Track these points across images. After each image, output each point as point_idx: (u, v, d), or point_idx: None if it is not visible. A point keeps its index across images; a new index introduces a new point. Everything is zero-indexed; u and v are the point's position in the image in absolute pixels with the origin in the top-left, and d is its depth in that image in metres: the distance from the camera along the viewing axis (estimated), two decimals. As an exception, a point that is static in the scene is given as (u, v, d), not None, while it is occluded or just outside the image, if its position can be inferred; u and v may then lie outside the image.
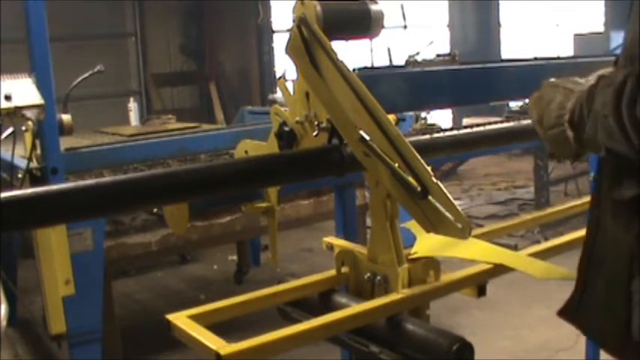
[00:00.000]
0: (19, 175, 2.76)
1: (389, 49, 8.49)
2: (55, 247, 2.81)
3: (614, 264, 1.22)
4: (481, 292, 1.68)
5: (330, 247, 1.85)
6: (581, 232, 1.42)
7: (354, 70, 1.60)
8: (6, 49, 5.65)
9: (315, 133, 1.72)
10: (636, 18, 1.15)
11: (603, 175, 1.25)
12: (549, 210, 2.41)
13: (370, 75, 1.75)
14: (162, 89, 9.15)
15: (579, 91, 1.21)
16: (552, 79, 1.31)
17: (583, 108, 1.17)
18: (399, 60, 8.57)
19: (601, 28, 8.50)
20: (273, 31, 9.69)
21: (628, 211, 1.19)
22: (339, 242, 1.88)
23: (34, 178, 2.70)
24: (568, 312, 1.34)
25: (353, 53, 6.30)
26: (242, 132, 3.62)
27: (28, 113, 2.55)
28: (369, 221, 2.23)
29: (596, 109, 1.13)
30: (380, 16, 1.83)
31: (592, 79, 1.20)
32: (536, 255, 1.75)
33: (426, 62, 2.07)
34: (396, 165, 1.49)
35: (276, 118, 1.84)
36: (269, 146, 1.88)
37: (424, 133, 2.06)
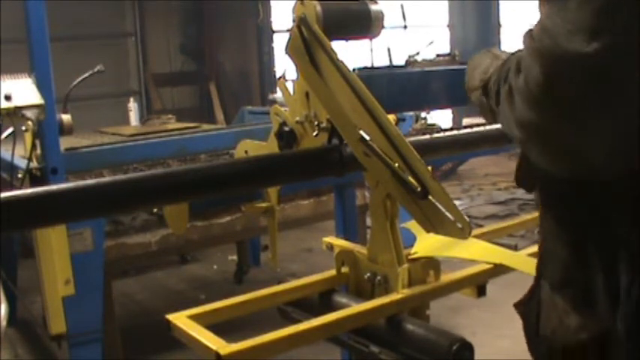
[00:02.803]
0: (19, 175, 2.76)
1: (389, 49, 8.48)
2: (55, 247, 2.81)
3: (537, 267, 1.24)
4: (481, 292, 1.69)
5: (330, 247, 1.86)
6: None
7: (354, 70, 1.60)
8: (6, 49, 5.65)
9: (315, 133, 1.73)
10: None
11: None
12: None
13: (370, 75, 1.75)
14: (162, 89, 9.15)
15: (502, 60, 1.24)
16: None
17: (498, 76, 1.19)
18: (399, 60, 8.57)
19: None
20: (273, 31, 9.68)
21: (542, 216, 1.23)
22: (339, 242, 1.88)
23: (34, 178, 2.70)
24: (519, 305, 1.34)
25: (353, 53, 6.30)
26: (242, 132, 3.62)
27: (28, 113, 2.55)
28: (369, 221, 2.22)
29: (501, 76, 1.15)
30: (380, 16, 1.83)
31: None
32: (536, 255, 1.74)
33: (426, 62, 2.07)
34: (396, 165, 1.49)
35: (276, 118, 1.84)
36: (269, 146, 1.88)
37: (424, 133, 2.06)
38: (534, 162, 1.05)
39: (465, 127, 2.66)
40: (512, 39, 11.34)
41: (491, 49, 1.36)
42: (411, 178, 1.46)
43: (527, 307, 1.24)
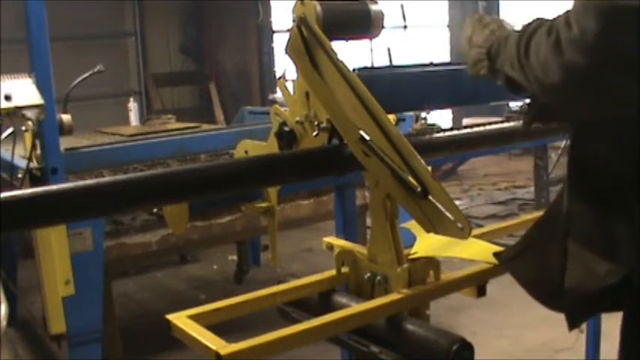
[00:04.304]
0: (19, 175, 2.76)
1: (389, 49, 8.48)
2: (55, 247, 2.81)
3: (556, 225, 1.40)
4: (481, 292, 1.68)
5: (330, 247, 1.85)
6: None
7: (354, 70, 1.60)
8: (6, 49, 5.65)
9: (315, 133, 1.73)
10: None
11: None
12: (549, 210, 2.40)
13: (370, 75, 1.75)
14: (162, 89, 9.14)
15: (508, 29, 1.41)
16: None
17: (501, 42, 1.38)
18: (399, 60, 8.57)
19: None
20: (273, 31, 9.68)
21: (569, 182, 1.36)
22: (339, 242, 1.87)
23: (34, 178, 2.70)
24: (505, 259, 1.55)
25: (353, 53, 6.30)
26: (242, 132, 3.62)
27: (28, 113, 2.56)
28: (369, 221, 2.22)
29: (509, 43, 1.33)
30: (380, 16, 1.83)
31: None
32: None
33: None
34: (396, 165, 1.49)
35: (276, 118, 1.84)
36: (269, 146, 1.88)
37: (424, 133, 2.06)
38: (572, 105, 1.21)
39: (465, 127, 2.66)
40: (512, 39, 11.34)
41: (501, 19, 1.50)
42: (411, 178, 1.46)
43: (545, 265, 1.41)
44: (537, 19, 1.27)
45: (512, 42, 1.31)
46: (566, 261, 1.35)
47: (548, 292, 1.41)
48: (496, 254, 1.60)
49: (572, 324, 1.38)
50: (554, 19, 1.17)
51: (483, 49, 1.43)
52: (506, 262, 1.54)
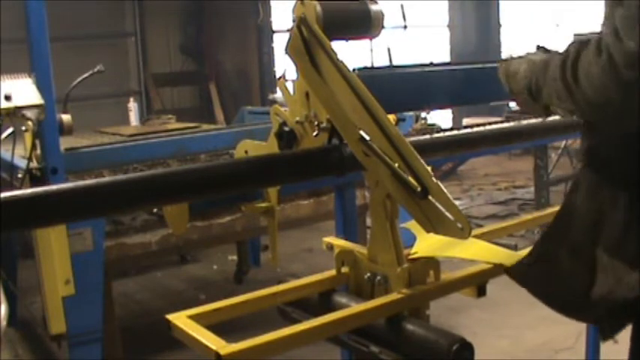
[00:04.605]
0: (19, 175, 2.76)
1: (389, 49, 8.49)
2: (55, 247, 2.81)
3: (579, 235, 1.36)
4: (481, 292, 1.68)
5: (330, 247, 1.85)
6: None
7: (354, 70, 1.60)
8: (6, 49, 5.65)
9: (315, 133, 1.72)
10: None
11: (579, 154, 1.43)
12: (549, 210, 2.40)
13: (370, 75, 1.75)
14: (162, 89, 9.15)
15: (538, 62, 1.38)
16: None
17: (539, 77, 1.34)
18: (399, 60, 8.58)
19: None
20: (273, 31, 9.68)
21: (592, 180, 1.34)
22: (339, 242, 1.87)
23: (34, 178, 2.70)
24: (517, 274, 1.48)
25: (353, 53, 6.30)
26: (242, 132, 3.62)
27: (28, 113, 2.56)
28: (369, 221, 2.22)
29: (549, 75, 1.30)
30: (380, 16, 1.83)
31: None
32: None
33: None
34: (396, 165, 1.49)
35: (276, 118, 1.84)
36: (269, 146, 1.88)
37: (424, 133, 2.06)
38: (626, 120, 1.18)
39: (465, 127, 2.67)
40: (512, 39, 11.34)
41: (523, 55, 1.49)
42: (411, 178, 1.46)
43: (564, 276, 1.37)
44: (572, 43, 1.25)
45: (554, 73, 1.27)
46: (593, 270, 1.31)
47: (571, 303, 1.37)
48: (507, 270, 1.53)
49: (605, 335, 1.34)
50: (598, 37, 1.15)
51: (524, 91, 1.41)
52: (519, 276, 1.48)
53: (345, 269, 1.71)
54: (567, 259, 1.37)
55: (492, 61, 1.78)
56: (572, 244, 1.37)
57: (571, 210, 1.39)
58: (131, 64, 8.97)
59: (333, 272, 1.71)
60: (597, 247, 1.32)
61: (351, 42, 1.86)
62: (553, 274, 1.40)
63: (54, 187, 1.41)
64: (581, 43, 1.21)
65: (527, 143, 3.51)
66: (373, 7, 1.82)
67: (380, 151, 1.51)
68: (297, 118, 1.78)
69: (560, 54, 1.29)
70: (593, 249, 1.32)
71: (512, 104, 6.71)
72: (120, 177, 1.53)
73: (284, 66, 7.84)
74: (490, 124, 2.30)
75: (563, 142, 6.55)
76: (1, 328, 1.90)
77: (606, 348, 2.66)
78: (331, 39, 1.60)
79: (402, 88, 1.90)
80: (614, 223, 1.30)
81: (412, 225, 1.66)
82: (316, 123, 1.72)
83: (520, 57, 1.48)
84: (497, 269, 1.67)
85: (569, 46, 1.25)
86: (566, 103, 1.24)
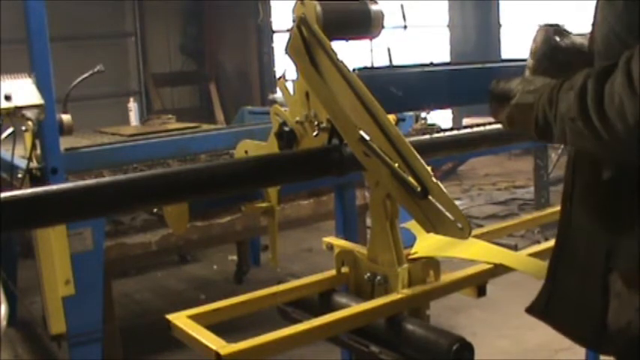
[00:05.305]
0: (19, 175, 2.76)
1: (389, 49, 8.49)
2: (55, 247, 2.81)
3: (588, 259, 1.26)
4: (481, 292, 1.68)
5: (330, 247, 1.85)
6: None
7: (354, 70, 1.60)
8: (6, 49, 5.65)
9: (315, 133, 1.73)
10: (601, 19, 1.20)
11: (577, 171, 1.30)
12: (549, 210, 2.41)
13: (370, 75, 1.75)
14: (162, 89, 9.15)
15: (541, 93, 1.24)
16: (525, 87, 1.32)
17: (547, 113, 1.21)
18: (399, 60, 8.57)
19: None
20: (273, 31, 9.69)
21: (605, 207, 1.24)
22: (339, 242, 1.88)
23: (34, 178, 2.70)
24: (537, 309, 1.39)
25: (353, 53, 6.30)
26: (242, 132, 3.62)
27: (28, 113, 2.56)
28: (369, 221, 2.22)
29: (562, 112, 1.16)
30: (380, 16, 1.83)
31: (554, 82, 1.23)
32: (536, 255, 1.75)
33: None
34: (396, 165, 1.49)
35: (276, 118, 1.84)
36: (269, 146, 1.88)
37: (424, 133, 2.06)
38: None
39: (465, 127, 2.67)
40: (512, 39, 11.34)
41: (531, 88, 1.32)
42: (411, 178, 1.46)
43: (581, 306, 1.28)
44: (581, 73, 1.14)
45: (570, 112, 1.13)
46: (608, 299, 1.22)
47: (591, 334, 1.28)
48: (528, 309, 1.42)
49: None
50: (624, 67, 1.04)
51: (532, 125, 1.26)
52: (541, 313, 1.39)
53: (345, 269, 1.71)
54: (575, 285, 1.30)
55: (492, 61, 1.78)
56: (581, 270, 1.29)
57: (576, 236, 1.30)
58: (131, 64, 8.97)
59: (333, 272, 1.71)
60: (611, 272, 1.22)
61: (351, 42, 1.86)
62: (568, 305, 1.32)
63: (54, 187, 1.41)
64: (598, 75, 1.09)
65: (527, 143, 3.51)
66: (373, 7, 1.82)
67: (380, 151, 1.51)
68: (297, 118, 1.78)
69: (567, 83, 1.16)
70: (605, 273, 1.23)
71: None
72: (120, 177, 1.53)
73: (284, 66, 7.84)
74: (490, 124, 2.30)
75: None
76: (1, 328, 1.90)
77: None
78: (331, 39, 1.60)
79: (402, 88, 1.90)
80: (630, 252, 1.19)
81: (412, 225, 1.66)
82: (316, 123, 1.72)
83: (528, 91, 1.31)
84: (498, 269, 1.67)
85: (578, 77, 1.13)
86: (588, 143, 1.12)
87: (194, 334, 1.41)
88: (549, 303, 1.36)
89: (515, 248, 1.84)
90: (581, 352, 2.95)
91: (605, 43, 1.20)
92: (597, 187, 1.25)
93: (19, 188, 2.44)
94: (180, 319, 1.48)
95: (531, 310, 1.41)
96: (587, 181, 1.28)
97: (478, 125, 2.44)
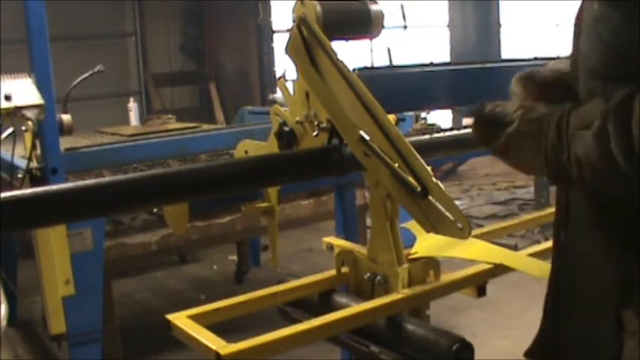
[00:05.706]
0: (19, 175, 2.76)
1: (389, 49, 8.49)
2: (55, 247, 2.81)
3: (596, 295, 1.13)
4: (481, 292, 1.68)
5: (330, 247, 1.85)
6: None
7: (354, 70, 1.60)
8: (6, 49, 5.65)
9: (315, 133, 1.73)
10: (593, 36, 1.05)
11: (573, 193, 1.17)
12: (549, 210, 2.40)
13: (370, 75, 1.75)
14: (162, 89, 9.16)
15: (547, 122, 1.08)
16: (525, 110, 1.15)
17: (559, 153, 1.05)
18: (399, 60, 8.57)
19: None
20: (273, 31, 9.69)
21: (611, 236, 1.10)
22: (339, 242, 1.87)
23: (34, 178, 2.70)
24: (538, 353, 1.28)
25: (353, 53, 6.30)
26: (242, 132, 3.62)
27: (28, 113, 2.56)
28: (369, 221, 2.22)
29: (578, 154, 1.01)
30: (380, 16, 1.83)
31: (558, 111, 1.07)
32: (536, 255, 1.75)
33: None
34: (396, 165, 1.49)
35: (276, 118, 1.84)
36: (269, 146, 1.88)
37: (424, 133, 2.06)
38: None
39: (465, 127, 2.67)
40: (512, 39, 11.34)
41: (534, 116, 1.15)
42: (411, 178, 1.46)
43: (590, 345, 1.16)
44: (599, 106, 1.00)
45: (589, 149, 0.99)
46: (622, 339, 1.09)
47: None
48: (527, 354, 1.31)
49: None
50: (629, 95, 0.94)
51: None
52: (544, 357, 1.28)
53: (345, 269, 1.71)
54: (585, 324, 1.16)
55: (492, 61, 1.78)
56: (588, 306, 1.16)
57: (578, 269, 1.16)
58: (131, 64, 8.98)
59: (333, 272, 1.71)
60: (624, 309, 1.08)
61: (351, 42, 1.86)
62: (575, 344, 1.20)
63: (54, 187, 1.41)
64: (616, 112, 0.95)
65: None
66: (373, 7, 1.83)
67: (380, 151, 1.51)
68: (297, 118, 1.78)
69: (577, 118, 1.03)
70: (618, 310, 1.09)
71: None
72: (120, 177, 1.53)
73: (284, 66, 7.84)
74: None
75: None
76: (1, 328, 1.90)
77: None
78: (331, 39, 1.60)
79: (402, 88, 1.90)
80: None
81: (412, 225, 1.66)
82: (316, 123, 1.72)
83: (506, 104, 1.19)
84: (498, 269, 1.67)
85: (591, 109, 1.01)
86: (613, 187, 1.01)
87: (194, 334, 1.41)
88: (554, 346, 1.25)
89: (515, 248, 1.83)
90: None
91: (602, 60, 1.04)
92: (603, 210, 1.10)
93: (19, 188, 2.44)
94: (180, 319, 1.48)
95: (531, 354, 1.30)
96: (589, 203, 1.13)
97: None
